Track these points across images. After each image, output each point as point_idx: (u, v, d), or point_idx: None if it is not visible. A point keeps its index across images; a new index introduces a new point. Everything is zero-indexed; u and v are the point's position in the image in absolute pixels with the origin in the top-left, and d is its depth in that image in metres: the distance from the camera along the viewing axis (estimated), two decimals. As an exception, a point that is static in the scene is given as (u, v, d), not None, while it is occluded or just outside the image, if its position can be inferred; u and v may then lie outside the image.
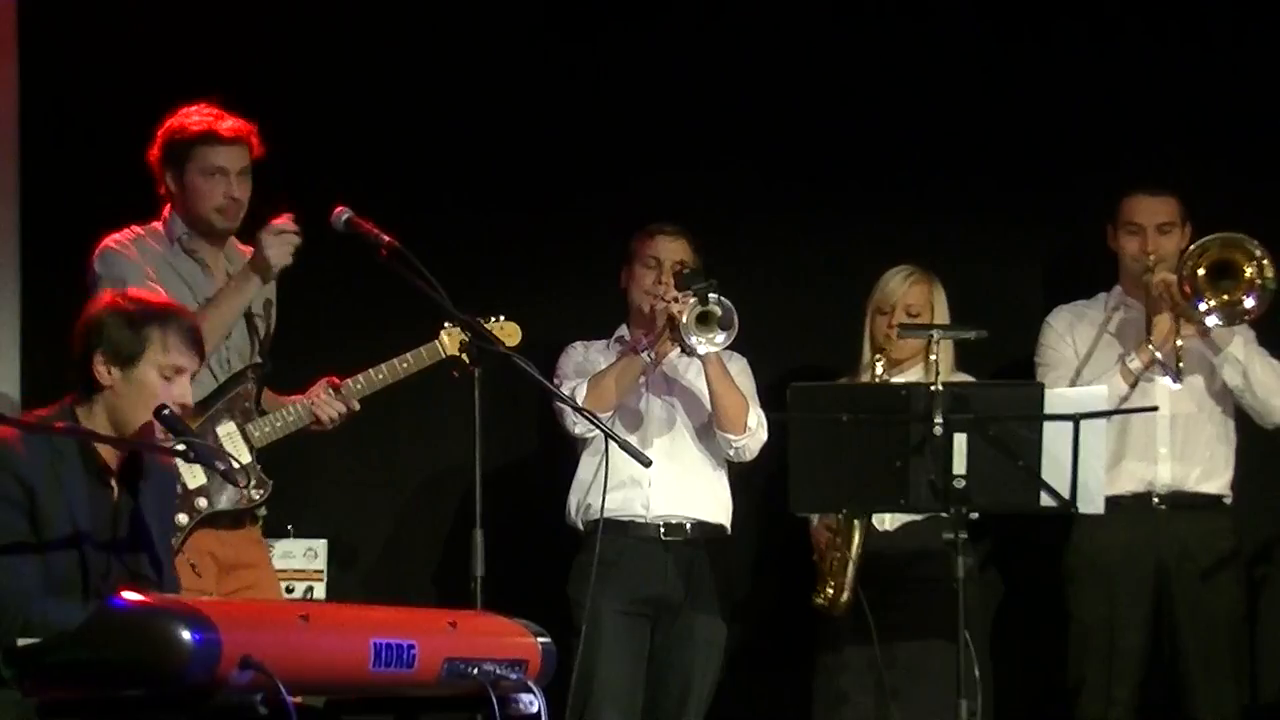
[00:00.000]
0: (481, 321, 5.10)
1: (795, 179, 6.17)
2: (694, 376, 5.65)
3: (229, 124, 4.92)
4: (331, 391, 4.98)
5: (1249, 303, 5.42)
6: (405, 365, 5.06)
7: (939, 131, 6.13)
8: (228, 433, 4.87)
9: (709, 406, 5.58)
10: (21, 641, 3.41)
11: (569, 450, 5.68)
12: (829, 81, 6.17)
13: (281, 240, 4.84)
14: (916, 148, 6.13)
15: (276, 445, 4.94)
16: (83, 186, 5.82)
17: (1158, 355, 5.45)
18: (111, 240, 4.90)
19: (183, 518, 4.75)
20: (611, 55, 6.20)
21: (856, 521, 5.43)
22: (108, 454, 3.96)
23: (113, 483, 3.97)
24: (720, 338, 5.39)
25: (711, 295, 5.35)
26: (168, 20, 6.03)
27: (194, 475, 4.72)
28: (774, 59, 6.20)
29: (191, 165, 4.90)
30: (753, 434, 5.57)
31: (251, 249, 4.99)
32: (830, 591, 5.45)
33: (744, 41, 6.21)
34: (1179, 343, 5.45)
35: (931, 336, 5.14)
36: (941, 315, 5.59)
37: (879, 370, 5.52)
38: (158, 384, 3.93)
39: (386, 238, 4.45)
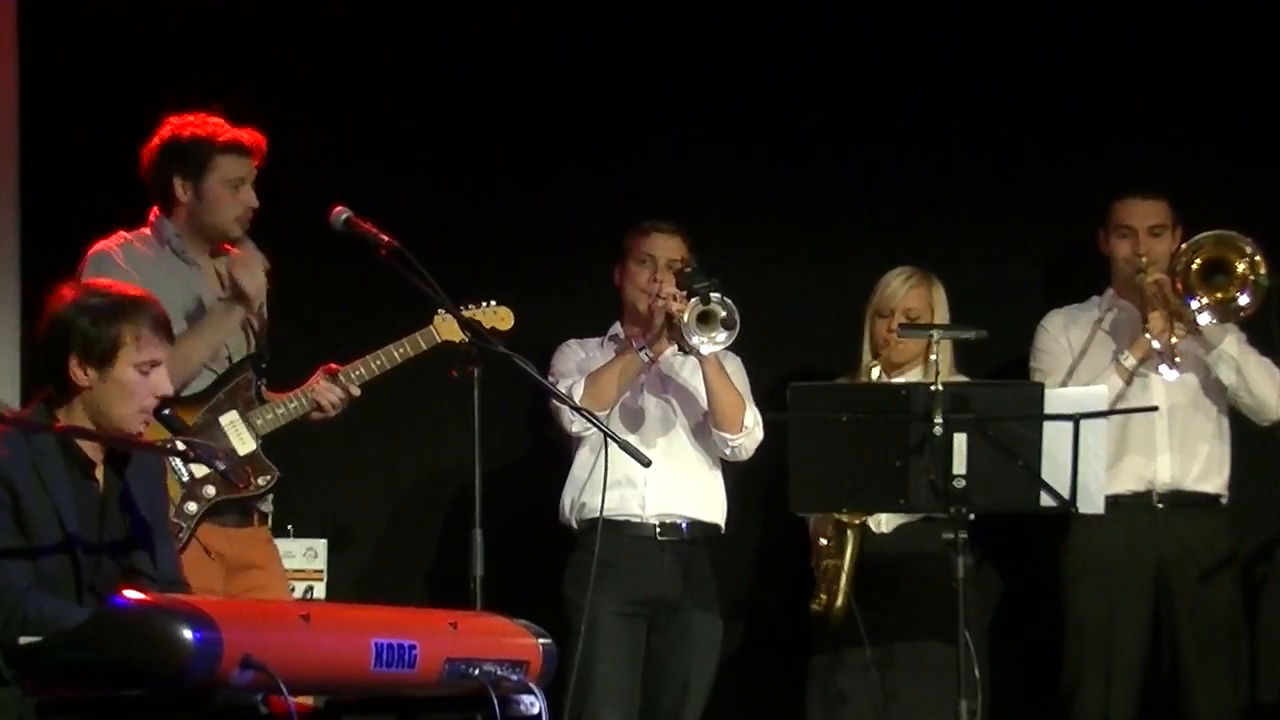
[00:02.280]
0: (475, 309, 5.13)
1: (794, 178, 6.18)
2: (689, 375, 5.64)
3: (246, 134, 4.93)
4: (330, 378, 4.99)
5: (1243, 299, 5.43)
6: (402, 351, 5.08)
7: (938, 131, 6.14)
8: (231, 422, 4.88)
9: (704, 405, 5.58)
10: (22, 640, 3.41)
11: (567, 449, 5.68)
12: (828, 81, 6.18)
13: (251, 269, 4.86)
14: (916, 147, 6.13)
15: (277, 445, 4.95)
16: (82, 186, 5.82)
17: (1155, 345, 5.45)
18: (100, 247, 4.88)
19: (191, 506, 4.76)
20: (608, 50, 6.20)
21: (849, 531, 5.43)
22: (89, 447, 3.94)
23: (97, 474, 3.95)
24: (722, 337, 5.38)
25: (714, 295, 5.34)
26: (167, 20, 6.04)
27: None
28: (773, 57, 6.20)
29: (213, 175, 4.89)
30: (749, 433, 5.56)
31: (238, 251, 5.01)
32: (824, 598, 5.46)
33: (742, 38, 6.21)
34: (1174, 340, 5.45)
35: (931, 337, 5.13)
36: (942, 316, 5.59)
37: (877, 374, 5.52)
38: (135, 379, 3.90)
39: (385, 237, 4.45)
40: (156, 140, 4.94)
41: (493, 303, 5.28)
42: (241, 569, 4.86)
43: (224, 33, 6.04)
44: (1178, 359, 5.43)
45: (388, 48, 6.19)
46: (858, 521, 5.42)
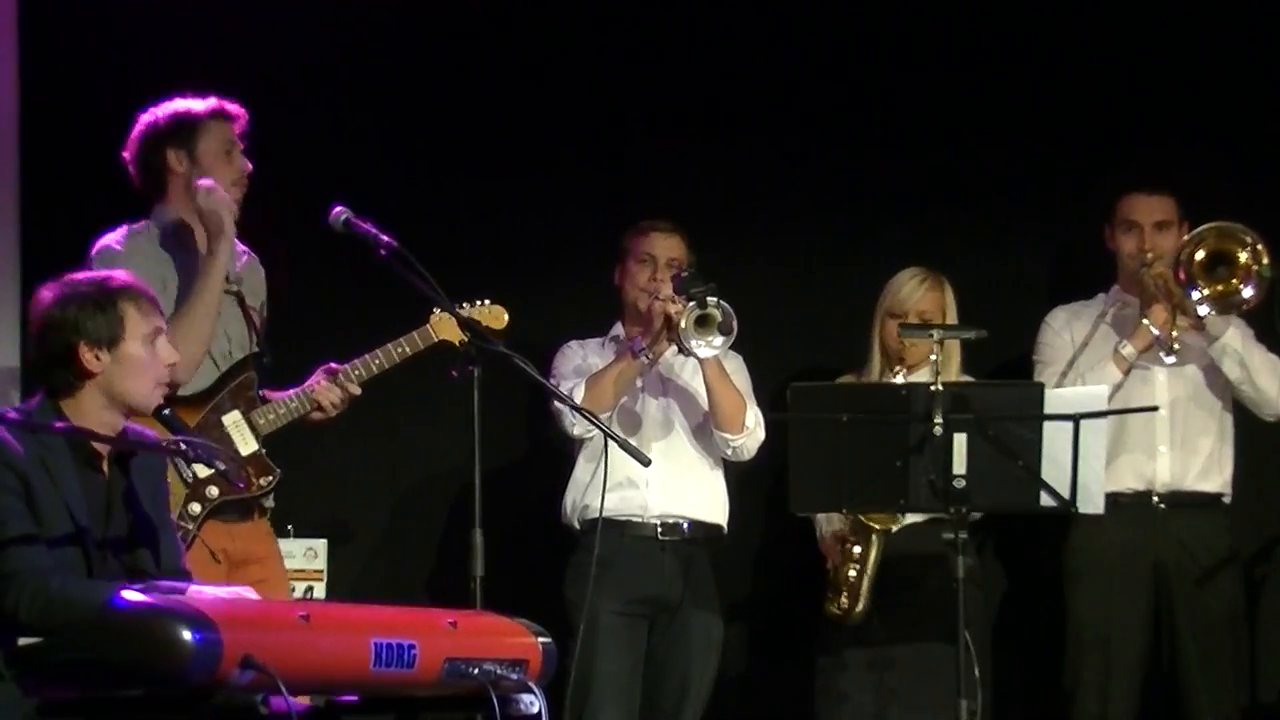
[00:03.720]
0: (469, 308, 5.14)
1: (796, 176, 6.17)
2: (690, 376, 5.64)
3: (226, 103, 4.96)
4: (330, 379, 4.99)
5: (1246, 291, 5.43)
6: (400, 351, 5.09)
7: (940, 130, 6.13)
8: (233, 421, 4.89)
9: (705, 406, 5.58)
10: (22, 641, 3.41)
11: (567, 451, 5.68)
12: (830, 79, 6.17)
13: (210, 194, 4.83)
14: (920, 146, 6.13)
15: (278, 445, 4.95)
16: (82, 186, 5.81)
17: (1154, 331, 5.46)
18: (106, 241, 4.90)
19: (195, 506, 4.78)
20: (608, 48, 6.20)
21: (874, 536, 5.41)
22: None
23: (103, 467, 3.96)
24: (719, 341, 5.37)
25: (710, 299, 5.34)
26: (167, 19, 6.04)
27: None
28: (774, 54, 6.20)
29: (205, 139, 4.92)
30: (750, 433, 5.56)
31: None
32: (845, 602, 5.45)
33: (743, 35, 6.20)
34: (1174, 333, 5.46)
35: (933, 336, 5.13)
36: (951, 318, 5.58)
37: (888, 375, 5.52)
38: (144, 353, 3.94)
39: (385, 238, 4.45)
40: (137, 132, 4.98)
41: (487, 301, 5.29)
42: (242, 563, 4.86)
43: (224, 32, 6.04)
44: (1176, 347, 5.44)
45: (387, 46, 6.19)
46: (879, 526, 5.41)
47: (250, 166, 4.97)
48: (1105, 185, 5.81)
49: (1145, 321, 5.50)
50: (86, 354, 3.91)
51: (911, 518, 5.48)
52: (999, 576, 5.98)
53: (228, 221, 4.85)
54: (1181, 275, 5.44)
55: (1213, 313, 5.46)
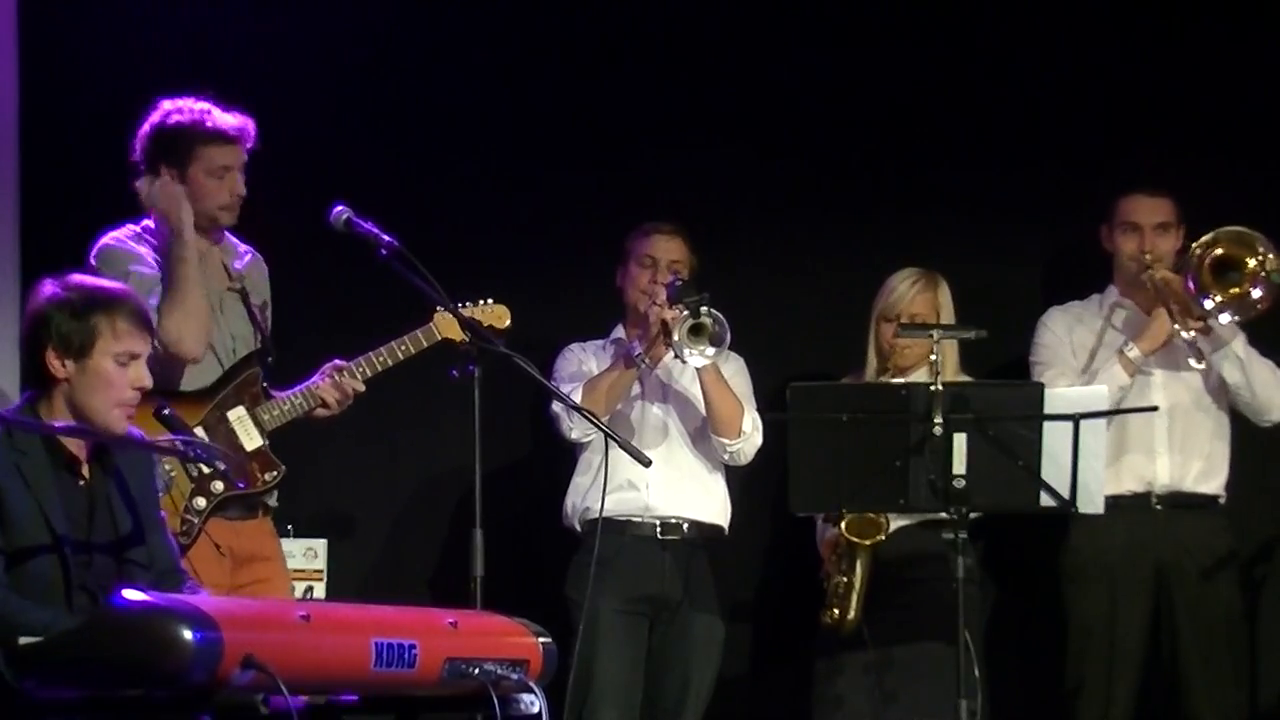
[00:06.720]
0: (472, 308, 5.14)
1: (796, 178, 6.17)
2: (689, 382, 5.64)
3: (231, 120, 4.93)
4: (335, 375, 5.00)
5: (1256, 294, 5.41)
6: (404, 349, 5.10)
7: (939, 130, 6.14)
8: (238, 417, 4.90)
9: (704, 411, 5.58)
10: (23, 640, 3.41)
11: (568, 451, 5.68)
12: (829, 80, 6.18)
13: (152, 194, 4.84)
14: (917, 146, 6.13)
15: (279, 445, 4.96)
16: (82, 184, 5.82)
17: (1184, 335, 5.43)
18: (109, 238, 4.91)
19: (200, 501, 4.78)
20: (609, 49, 6.20)
21: (859, 553, 5.41)
22: (74, 443, 3.92)
23: (83, 471, 3.94)
24: (711, 351, 5.37)
25: (703, 308, 5.34)
26: (169, 19, 6.05)
27: None
28: (773, 57, 6.20)
29: (197, 165, 4.89)
30: (747, 438, 5.56)
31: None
32: (836, 614, 5.44)
33: (743, 38, 6.21)
34: (1191, 335, 5.45)
35: (932, 336, 5.13)
36: (947, 317, 5.57)
37: (884, 379, 5.51)
38: (112, 370, 3.89)
39: (386, 237, 4.46)
40: (146, 125, 4.96)
41: (489, 301, 5.30)
42: (247, 561, 4.88)
43: (224, 31, 6.05)
44: (1201, 349, 5.43)
45: (390, 47, 6.19)
46: (868, 543, 5.40)
47: (244, 191, 4.94)
48: (1103, 185, 5.81)
49: (1156, 331, 5.48)
50: (53, 360, 3.89)
51: (905, 518, 5.47)
52: (998, 578, 5.98)
53: (185, 216, 4.82)
54: (1192, 285, 5.42)
55: (1235, 319, 5.45)
